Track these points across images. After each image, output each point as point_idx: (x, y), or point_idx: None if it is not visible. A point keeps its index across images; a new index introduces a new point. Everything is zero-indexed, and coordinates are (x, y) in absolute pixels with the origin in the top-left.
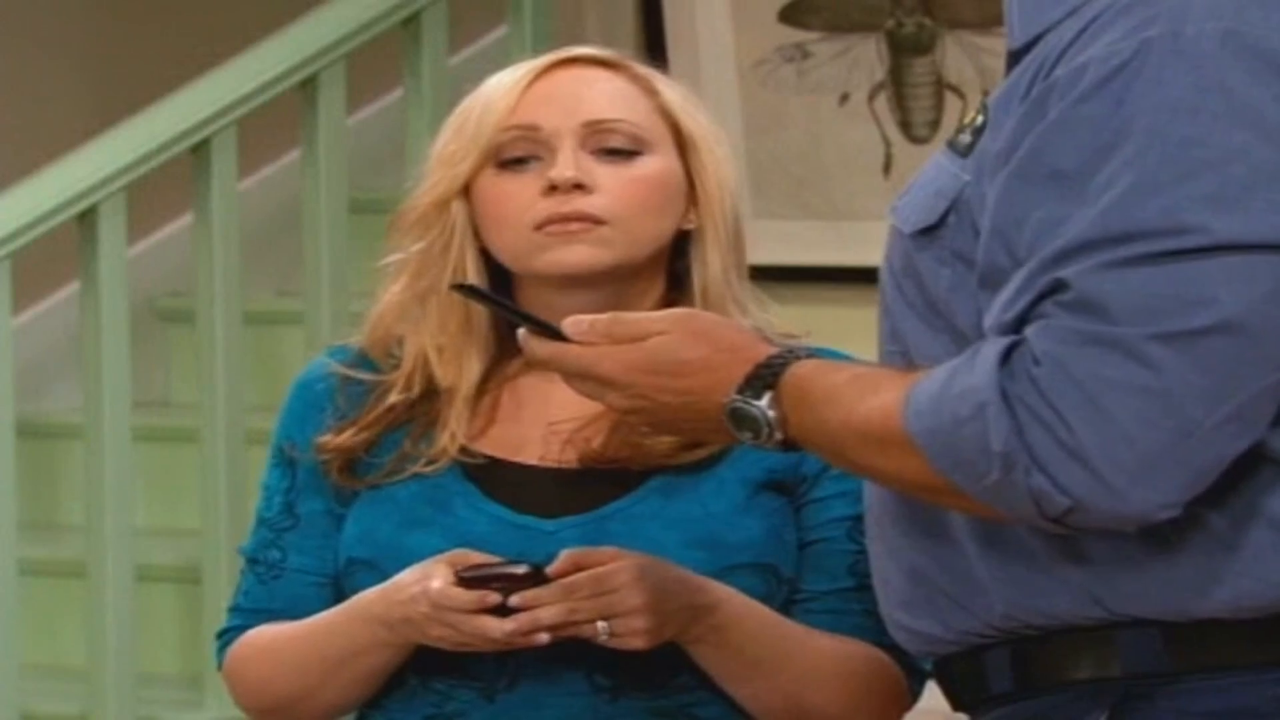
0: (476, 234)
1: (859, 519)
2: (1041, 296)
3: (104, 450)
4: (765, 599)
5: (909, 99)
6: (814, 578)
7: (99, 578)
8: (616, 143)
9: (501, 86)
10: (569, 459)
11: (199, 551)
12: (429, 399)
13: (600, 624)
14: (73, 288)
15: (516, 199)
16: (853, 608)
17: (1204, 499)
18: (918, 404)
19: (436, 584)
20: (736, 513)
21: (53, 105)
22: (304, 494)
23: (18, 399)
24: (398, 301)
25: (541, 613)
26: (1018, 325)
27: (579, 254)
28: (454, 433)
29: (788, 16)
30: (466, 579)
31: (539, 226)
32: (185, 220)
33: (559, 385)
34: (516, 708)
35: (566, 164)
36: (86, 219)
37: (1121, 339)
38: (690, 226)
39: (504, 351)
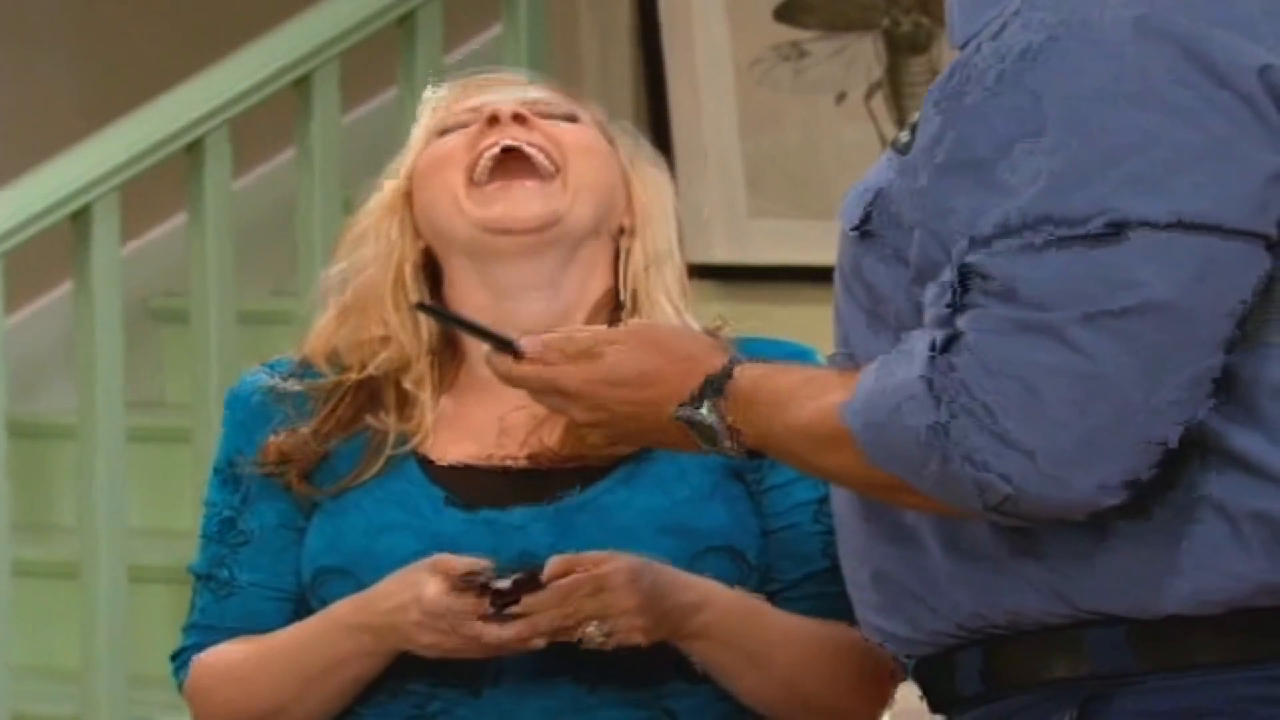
0: (417, 236)
1: (823, 500)
2: (970, 287)
3: (97, 450)
4: (736, 583)
5: (906, 98)
6: (788, 565)
7: (92, 579)
8: (553, 111)
9: (443, 89)
10: (526, 457)
11: (192, 552)
12: (381, 390)
13: (593, 626)
14: (66, 287)
15: (453, 149)
16: (831, 590)
17: (1157, 492)
18: (854, 401)
19: (431, 591)
20: (702, 499)
21: (46, 104)
22: (254, 508)
23: (11, 399)
24: (336, 314)
25: (540, 618)
26: (949, 317)
27: (519, 199)
28: (423, 405)
29: (783, 15)
30: (465, 585)
31: (475, 171)
32: (179, 220)
33: (503, 390)
34: (501, 702)
35: (507, 101)
36: (80, 218)
37: (1050, 324)
38: (630, 223)
39: (450, 349)
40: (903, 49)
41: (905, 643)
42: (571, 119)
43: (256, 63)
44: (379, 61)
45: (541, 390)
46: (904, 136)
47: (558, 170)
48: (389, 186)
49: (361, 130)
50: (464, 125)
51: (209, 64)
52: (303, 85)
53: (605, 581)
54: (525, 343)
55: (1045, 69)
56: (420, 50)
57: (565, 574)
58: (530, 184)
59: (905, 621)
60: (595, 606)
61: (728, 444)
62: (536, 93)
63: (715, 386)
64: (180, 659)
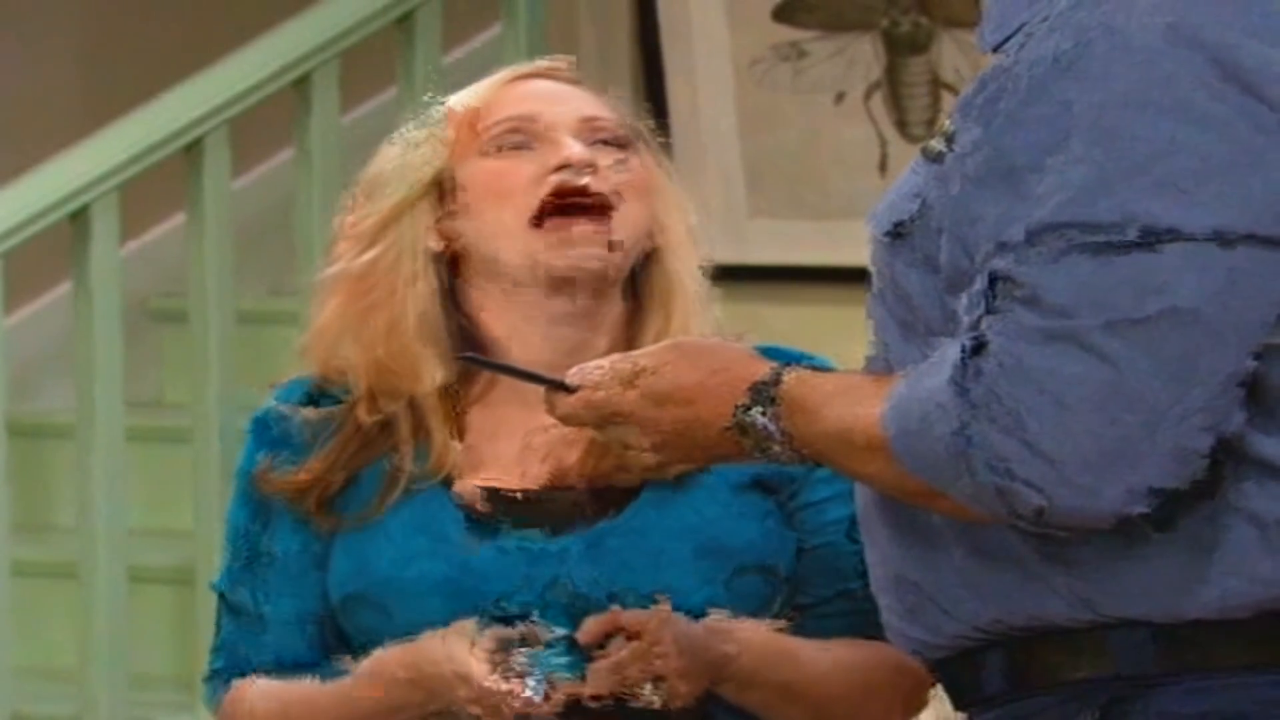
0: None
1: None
2: (998, 294)
3: (96, 450)
4: (768, 600)
5: (905, 98)
6: (821, 582)
7: (91, 579)
8: (608, 136)
9: (472, 91)
10: (550, 476)
11: (192, 552)
12: (396, 420)
13: (646, 689)
14: (65, 287)
15: (518, 176)
16: (865, 607)
17: (1186, 499)
18: (891, 409)
19: (477, 674)
20: (731, 516)
21: (45, 104)
22: (276, 533)
23: (10, 399)
24: (338, 318)
25: (586, 686)
26: (977, 323)
27: (591, 257)
28: (444, 441)
29: (783, 15)
30: (503, 661)
31: (544, 207)
32: (178, 220)
33: (529, 402)
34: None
35: (576, 146)
36: (79, 219)
37: (1076, 332)
38: (656, 244)
39: (464, 371)
40: (902, 49)
41: (926, 646)
42: (624, 144)
43: (256, 63)
44: (378, 61)
45: (597, 422)
46: (936, 144)
47: (610, 210)
48: (401, 188)
49: (361, 130)
50: (517, 140)
51: (209, 64)
52: (302, 85)
53: (652, 651)
54: (573, 377)
55: (1074, 76)
56: (419, 50)
57: (602, 634)
58: (587, 229)
59: (926, 626)
60: (644, 672)
61: (780, 449)
62: (592, 108)
63: (766, 393)
64: (213, 682)
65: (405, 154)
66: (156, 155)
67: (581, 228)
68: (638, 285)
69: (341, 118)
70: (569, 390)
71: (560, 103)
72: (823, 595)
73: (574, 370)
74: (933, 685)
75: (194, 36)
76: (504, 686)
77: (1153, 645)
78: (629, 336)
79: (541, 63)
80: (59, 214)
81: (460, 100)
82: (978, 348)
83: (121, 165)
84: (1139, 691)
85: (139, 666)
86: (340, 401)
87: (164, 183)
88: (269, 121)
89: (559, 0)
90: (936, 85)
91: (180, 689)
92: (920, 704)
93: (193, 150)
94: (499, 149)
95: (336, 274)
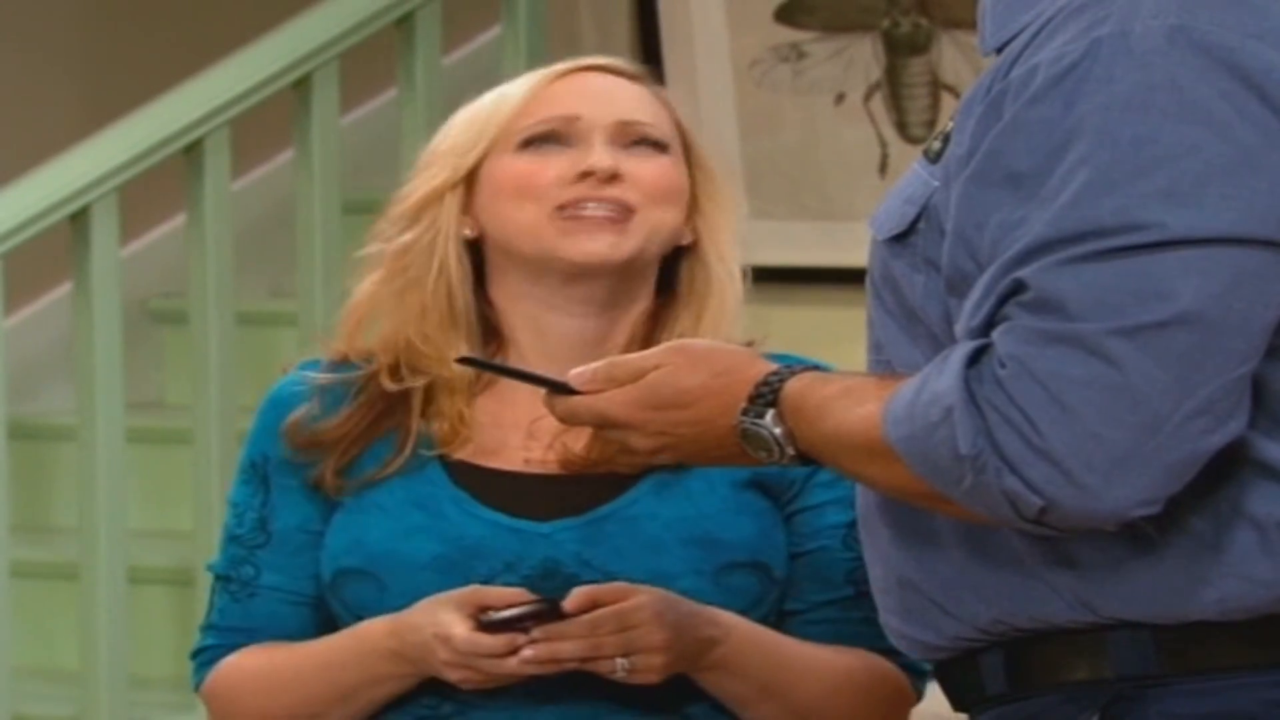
0: (466, 223)
1: (853, 525)
2: (1004, 298)
3: (97, 452)
4: (760, 598)
5: (905, 99)
6: (812, 588)
7: (91, 580)
8: (645, 138)
9: (522, 83)
10: (554, 463)
11: (192, 554)
12: (411, 395)
13: (620, 660)
14: (65, 289)
15: (543, 176)
16: (852, 616)
17: (1186, 501)
18: (895, 412)
19: (459, 632)
20: (728, 511)
21: (45, 106)
22: (278, 510)
23: (10, 400)
24: (372, 294)
25: (562, 647)
26: (985, 329)
27: (602, 243)
28: (453, 422)
29: (783, 16)
30: (488, 625)
31: (564, 206)
32: (178, 221)
33: (536, 391)
34: (516, 705)
35: (604, 153)
36: (79, 220)
37: (1082, 336)
38: (686, 242)
39: (489, 348)
40: (902, 50)
41: (926, 647)
42: (662, 147)
43: (256, 63)
44: (378, 63)
45: (596, 423)
46: (935, 144)
47: (633, 213)
48: (444, 170)
49: (360, 131)
50: (550, 139)
51: (209, 64)
52: (302, 86)
53: (632, 617)
54: (574, 378)
55: (1077, 79)
56: (419, 51)
57: (589, 605)
58: (612, 224)
59: (927, 626)
60: (621, 641)
61: (783, 451)
62: (636, 112)
63: (769, 395)
64: (200, 659)
65: (459, 135)
66: (157, 156)
67: (596, 220)
68: (673, 282)
69: (341, 119)
70: (570, 392)
71: (603, 103)
72: (811, 602)
73: (575, 371)
74: (916, 698)
75: (194, 37)
76: (483, 646)
77: (1154, 646)
78: (650, 331)
79: (600, 59)
80: (59, 215)
81: (510, 92)
82: (983, 350)
83: (122, 166)
84: (1140, 692)
85: (139, 667)
86: (357, 370)
87: (164, 184)
88: (269, 123)
89: (559, 1)
90: (936, 86)
91: (180, 689)
92: (902, 715)
93: (193, 151)
94: (531, 145)
95: (376, 252)
